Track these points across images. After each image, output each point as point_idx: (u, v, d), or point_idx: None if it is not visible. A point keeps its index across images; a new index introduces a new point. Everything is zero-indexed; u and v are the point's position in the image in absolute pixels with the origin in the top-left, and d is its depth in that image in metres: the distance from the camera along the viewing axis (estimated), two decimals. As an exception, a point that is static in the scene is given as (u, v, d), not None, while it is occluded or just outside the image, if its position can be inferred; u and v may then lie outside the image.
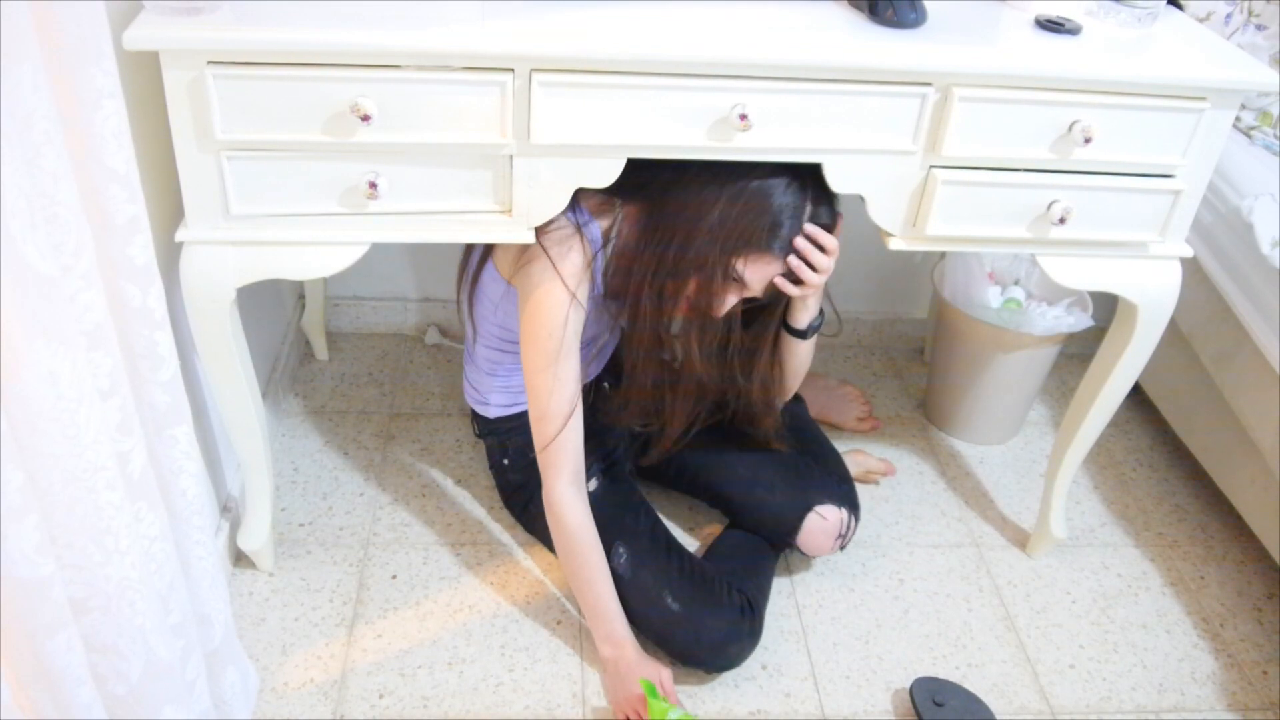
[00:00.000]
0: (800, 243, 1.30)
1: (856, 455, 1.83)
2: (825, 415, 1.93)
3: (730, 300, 1.35)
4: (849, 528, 1.56)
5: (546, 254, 1.30)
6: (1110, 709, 1.49)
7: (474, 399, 1.60)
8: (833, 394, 1.97)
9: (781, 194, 1.27)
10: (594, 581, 1.42)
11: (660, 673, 1.41)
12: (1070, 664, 1.55)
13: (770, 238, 1.28)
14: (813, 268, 1.32)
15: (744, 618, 1.45)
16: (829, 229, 1.32)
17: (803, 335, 1.48)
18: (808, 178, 1.28)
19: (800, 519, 1.53)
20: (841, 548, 1.57)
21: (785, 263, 1.31)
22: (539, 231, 1.27)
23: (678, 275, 1.31)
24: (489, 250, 1.43)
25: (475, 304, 1.49)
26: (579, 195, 1.28)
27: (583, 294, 1.33)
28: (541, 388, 1.35)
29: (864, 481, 1.80)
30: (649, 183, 1.30)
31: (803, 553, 1.58)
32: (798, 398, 1.74)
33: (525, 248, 1.32)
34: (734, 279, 1.31)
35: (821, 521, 1.53)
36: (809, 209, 1.29)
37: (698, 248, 1.28)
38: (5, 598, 0.78)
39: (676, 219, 1.29)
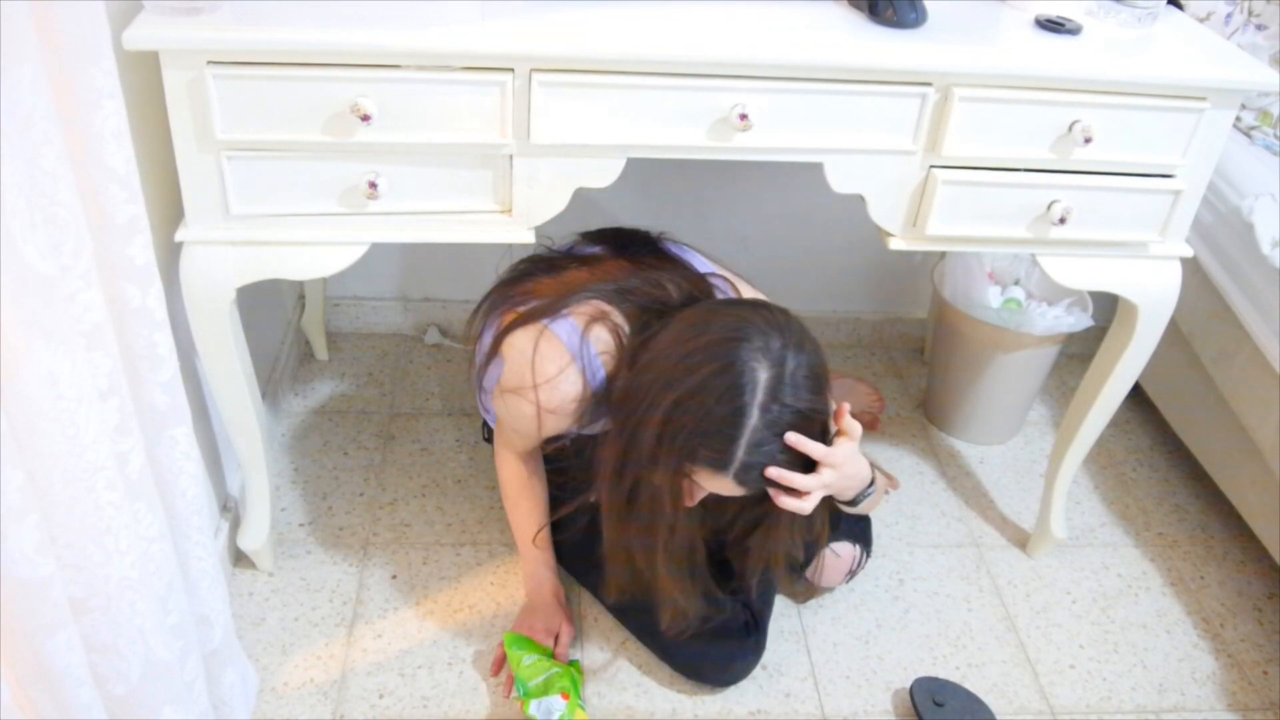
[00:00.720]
0: (773, 472, 1.13)
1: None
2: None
3: (699, 494, 1.21)
4: (859, 564, 1.56)
5: (537, 408, 1.27)
6: (1110, 709, 1.49)
7: (486, 414, 1.58)
8: (844, 390, 1.97)
9: (729, 408, 1.10)
10: (519, 525, 1.51)
11: (563, 629, 1.45)
12: (1070, 664, 1.55)
13: (717, 458, 1.12)
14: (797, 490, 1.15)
15: (749, 635, 1.45)
16: (816, 427, 1.15)
17: (851, 504, 1.30)
18: (785, 382, 1.10)
19: (815, 554, 1.52)
20: (849, 580, 1.57)
21: (746, 483, 1.14)
22: (540, 376, 1.24)
23: (636, 463, 1.18)
24: (500, 341, 1.32)
25: (487, 376, 1.42)
26: (590, 329, 1.24)
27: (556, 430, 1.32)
28: (511, 438, 1.43)
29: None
30: (641, 345, 1.21)
31: (809, 583, 1.58)
32: None
33: (523, 380, 1.27)
34: (690, 480, 1.17)
35: (835, 559, 1.53)
36: (759, 429, 1.10)
37: (650, 447, 1.14)
38: (5, 598, 0.78)
39: (631, 409, 1.17)
